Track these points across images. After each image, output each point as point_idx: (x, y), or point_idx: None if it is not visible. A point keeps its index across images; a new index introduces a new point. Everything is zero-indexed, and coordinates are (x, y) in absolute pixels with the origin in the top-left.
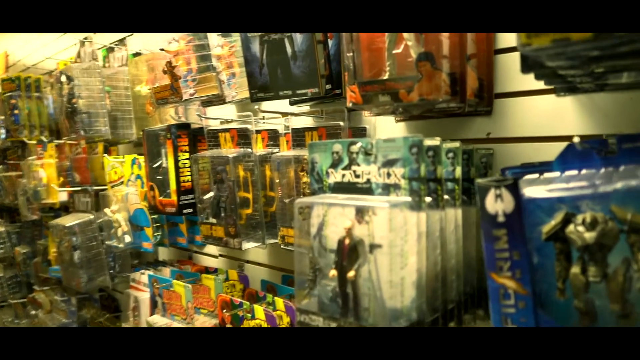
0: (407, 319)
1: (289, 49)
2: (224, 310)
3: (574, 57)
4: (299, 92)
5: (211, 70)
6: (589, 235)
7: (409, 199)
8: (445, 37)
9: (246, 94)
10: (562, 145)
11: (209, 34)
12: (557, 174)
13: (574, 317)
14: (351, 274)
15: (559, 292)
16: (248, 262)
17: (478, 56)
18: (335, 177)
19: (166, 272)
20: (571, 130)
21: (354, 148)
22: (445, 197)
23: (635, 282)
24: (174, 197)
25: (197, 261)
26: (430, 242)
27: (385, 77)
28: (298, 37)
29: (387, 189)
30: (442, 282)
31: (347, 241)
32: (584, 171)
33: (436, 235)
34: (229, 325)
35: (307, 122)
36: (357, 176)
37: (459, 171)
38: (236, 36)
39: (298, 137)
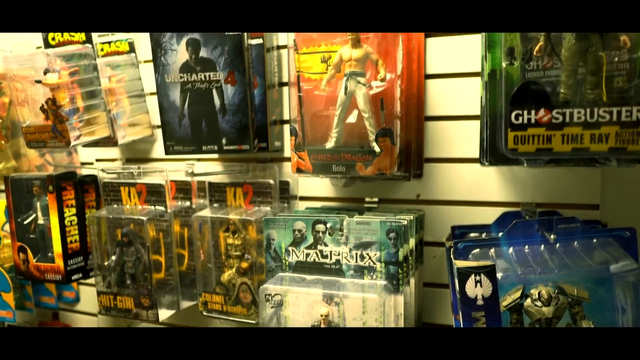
0: None
1: (217, 101)
2: None
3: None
4: (226, 148)
5: (101, 108)
6: (547, 310)
7: (385, 282)
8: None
9: (137, 135)
10: (486, 209)
11: (99, 65)
12: (507, 250)
13: None
14: None
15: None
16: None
17: (408, 119)
18: (297, 255)
19: None
20: (494, 197)
21: (320, 227)
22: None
23: None
24: (59, 262)
25: (67, 321)
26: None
27: (332, 144)
28: (229, 88)
29: (361, 271)
30: None
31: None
32: (527, 248)
33: (401, 312)
34: None
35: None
36: (325, 256)
37: (413, 243)
38: (125, 67)
39: (217, 192)
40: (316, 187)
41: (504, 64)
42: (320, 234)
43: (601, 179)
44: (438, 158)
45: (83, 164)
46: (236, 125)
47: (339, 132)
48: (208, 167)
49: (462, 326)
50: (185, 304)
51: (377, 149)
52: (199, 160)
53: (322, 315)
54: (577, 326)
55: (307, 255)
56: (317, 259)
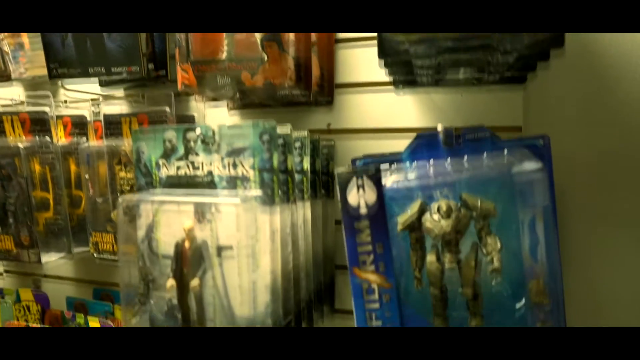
0: (261, 326)
1: None
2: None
3: (433, 46)
4: (114, 70)
5: None
6: (446, 224)
7: (259, 192)
8: None
9: (39, 71)
10: (401, 137)
11: None
12: (407, 164)
13: (429, 304)
14: (195, 282)
15: (416, 282)
16: (47, 276)
17: (319, 44)
18: (167, 169)
19: None
20: (409, 124)
21: (192, 135)
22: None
23: (484, 266)
24: None
25: None
26: (282, 240)
27: (223, 57)
28: None
29: (234, 181)
30: (294, 282)
31: (187, 244)
32: (432, 161)
33: (287, 232)
34: None
35: (123, 108)
36: (196, 168)
37: (307, 162)
38: None
39: (112, 125)
40: (224, 121)
41: None
42: (192, 143)
43: (523, 100)
44: (350, 83)
45: None
46: (123, 44)
47: (229, 44)
48: (116, 107)
49: (345, 240)
50: (81, 249)
51: (264, 55)
52: (105, 98)
53: (185, 230)
54: (482, 244)
55: (178, 168)
56: (188, 172)
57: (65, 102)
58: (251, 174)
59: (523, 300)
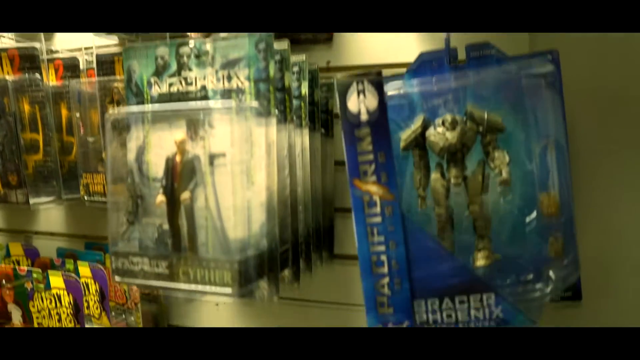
0: (255, 249)
1: None
2: (4, 282)
3: None
4: None
5: None
6: (451, 135)
7: (255, 104)
8: None
9: None
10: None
11: None
12: (410, 81)
13: (434, 226)
14: (185, 195)
15: (420, 201)
16: (38, 233)
17: None
18: (159, 87)
19: None
20: (409, 59)
21: (185, 50)
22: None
23: (492, 181)
24: None
25: None
26: (279, 161)
27: None
28: None
29: (228, 94)
30: (291, 210)
31: (178, 158)
32: (435, 77)
33: (284, 153)
34: (11, 305)
35: (117, 49)
36: (189, 84)
37: (305, 88)
38: None
39: (105, 65)
40: None
41: None
42: (185, 58)
43: None
44: None
45: None
46: None
47: None
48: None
49: (344, 149)
50: (72, 196)
51: None
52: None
53: (177, 142)
54: (489, 159)
55: (171, 85)
56: (181, 88)
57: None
58: (246, 85)
59: (534, 214)
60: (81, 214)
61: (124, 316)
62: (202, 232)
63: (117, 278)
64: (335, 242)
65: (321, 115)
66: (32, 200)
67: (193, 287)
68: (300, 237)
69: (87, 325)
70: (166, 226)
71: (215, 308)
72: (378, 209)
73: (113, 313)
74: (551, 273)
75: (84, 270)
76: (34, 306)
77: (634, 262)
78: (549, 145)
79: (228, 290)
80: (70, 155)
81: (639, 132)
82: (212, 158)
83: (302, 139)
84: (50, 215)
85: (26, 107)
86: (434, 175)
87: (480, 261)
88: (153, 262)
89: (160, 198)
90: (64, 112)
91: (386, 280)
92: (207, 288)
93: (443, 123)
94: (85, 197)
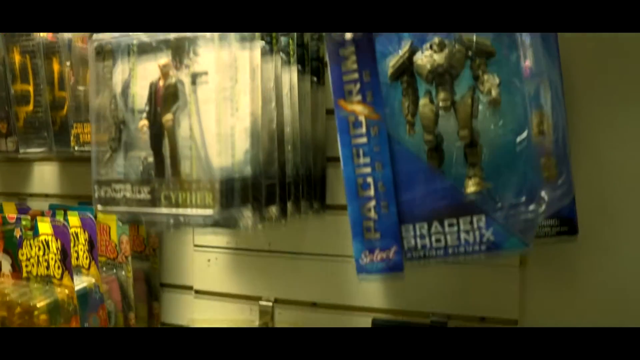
0: (239, 175)
1: None
2: None
3: None
4: None
5: None
6: (439, 57)
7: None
8: None
9: None
10: None
11: None
12: None
13: (423, 155)
14: (168, 117)
15: (408, 127)
16: (32, 195)
17: None
18: None
19: None
20: None
21: None
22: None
23: (482, 104)
24: None
25: None
26: (265, 92)
27: None
28: None
29: None
30: (278, 146)
31: (161, 83)
32: None
33: (270, 85)
34: (1, 254)
35: None
36: None
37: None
38: None
39: None
40: None
41: None
42: None
43: None
44: None
45: None
46: None
47: None
48: None
49: (329, 69)
50: (63, 149)
51: None
52: None
53: (160, 66)
54: (479, 82)
55: None
56: None
57: None
58: None
59: (525, 133)
60: (75, 174)
61: (114, 270)
62: (186, 163)
63: (99, 207)
64: (327, 192)
65: (312, 63)
66: (22, 149)
67: (174, 210)
68: (289, 178)
69: (75, 277)
70: (151, 159)
71: (207, 264)
72: (364, 129)
73: (104, 268)
74: (544, 194)
75: (74, 220)
76: (23, 254)
77: (631, 197)
78: (541, 85)
79: (209, 212)
80: (62, 111)
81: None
82: (194, 77)
83: (290, 76)
84: (44, 176)
85: (17, 57)
86: (423, 101)
87: (471, 188)
88: (135, 189)
89: (143, 122)
90: (56, 66)
91: (372, 203)
92: (189, 211)
93: (431, 46)
94: (76, 147)
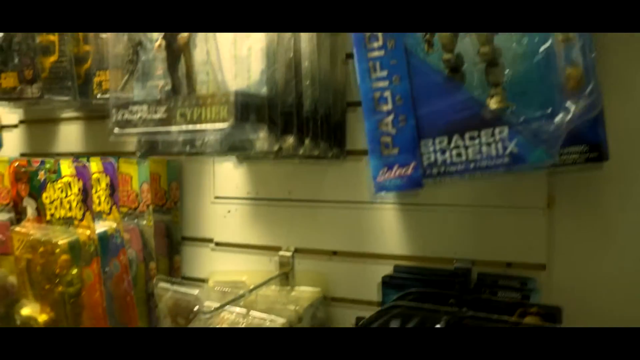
0: (255, 93)
1: None
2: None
3: None
4: None
5: None
6: None
7: None
8: None
9: None
10: None
11: None
12: None
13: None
14: (183, 34)
15: (426, 45)
16: (60, 154)
17: None
18: None
19: None
20: None
21: None
22: None
23: None
24: None
25: None
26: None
27: None
28: None
29: None
30: (295, 75)
31: None
32: None
33: None
34: (26, 199)
35: None
36: None
37: None
38: None
39: None
40: None
41: None
42: None
43: None
44: None
45: None
46: None
47: None
48: None
49: None
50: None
51: None
52: None
53: None
54: None
55: None
56: None
57: None
58: None
59: (549, 42)
60: (101, 132)
61: (135, 220)
62: (202, 87)
63: (116, 130)
64: (347, 138)
65: None
66: (46, 96)
67: (190, 127)
68: (307, 112)
69: (97, 224)
70: (168, 87)
71: (227, 216)
72: (380, 42)
73: (125, 218)
74: (569, 104)
75: (95, 165)
76: (46, 197)
77: None
78: None
79: (224, 125)
80: (86, 64)
81: None
82: None
83: None
84: (71, 135)
85: None
86: None
87: (493, 105)
88: (152, 109)
89: (160, 42)
90: None
91: (390, 117)
92: (204, 126)
93: None
94: (98, 95)
